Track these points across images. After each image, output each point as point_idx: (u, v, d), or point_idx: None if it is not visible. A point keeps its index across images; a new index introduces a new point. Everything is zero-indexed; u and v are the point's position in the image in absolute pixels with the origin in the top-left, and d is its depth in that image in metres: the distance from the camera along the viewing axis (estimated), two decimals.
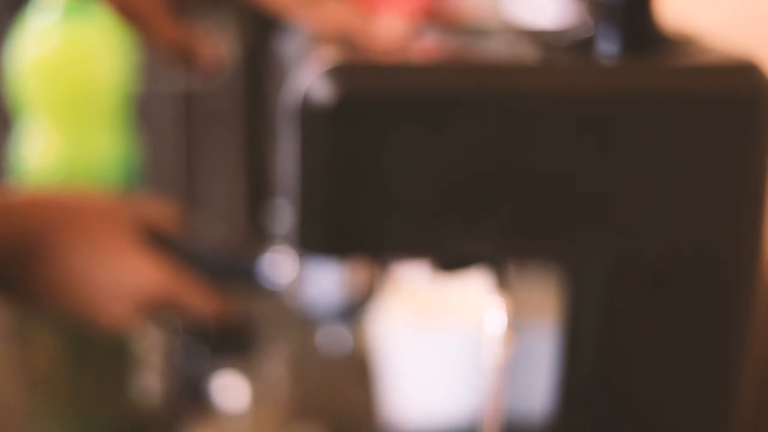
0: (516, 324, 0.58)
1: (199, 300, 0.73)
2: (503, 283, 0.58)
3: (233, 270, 0.76)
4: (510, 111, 0.53)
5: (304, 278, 0.67)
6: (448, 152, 0.53)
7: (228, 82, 1.34)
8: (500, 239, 0.54)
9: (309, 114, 0.52)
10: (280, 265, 0.71)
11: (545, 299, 0.77)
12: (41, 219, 0.72)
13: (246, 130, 1.39)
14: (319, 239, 0.54)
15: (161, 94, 1.35)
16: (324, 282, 0.66)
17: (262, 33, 1.23)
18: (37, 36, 0.91)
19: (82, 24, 0.95)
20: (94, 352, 0.87)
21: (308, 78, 0.52)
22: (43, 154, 0.90)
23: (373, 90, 0.52)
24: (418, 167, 0.53)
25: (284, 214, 0.69)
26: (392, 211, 0.53)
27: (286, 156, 0.55)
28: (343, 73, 0.52)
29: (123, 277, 0.71)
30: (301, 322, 1.00)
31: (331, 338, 0.72)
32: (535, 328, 0.75)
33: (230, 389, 0.80)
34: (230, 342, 0.80)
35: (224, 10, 1.30)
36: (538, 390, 0.68)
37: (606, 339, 0.59)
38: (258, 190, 1.36)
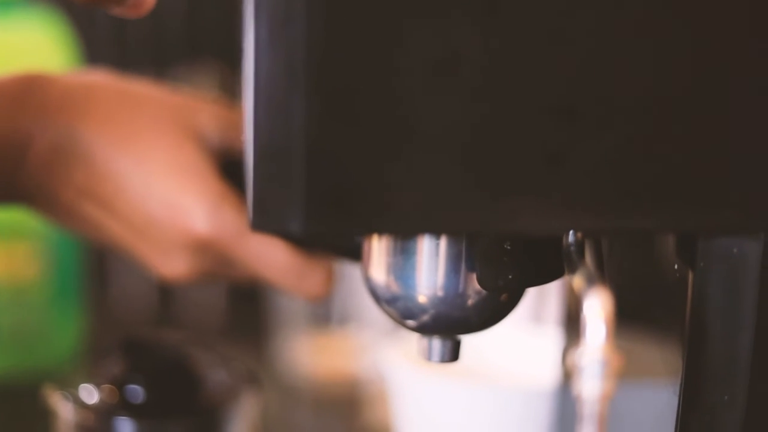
0: (620, 376, 0.35)
1: (284, 271, 0.50)
2: (597, 296, 0.35)
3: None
4: None
5: (391, 259, 0.40)
6: (499, 51, 0.32)
7: None
8: (592, 200, 0.32)
9: None
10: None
11: (657, 354, 0.54)
12: (71, 104, 0.50)
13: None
14: (286, 204, 0.32)
15: None
16: (425, 269, 0.39)
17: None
18: None
19: (15, 25, 0.81)
20: None
21: None
22: None
23: None
24: (451, 78, 0.31)
25: None
26: (411, 154, 0.32)
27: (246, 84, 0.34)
28: None
29: (170, 211, 0.49)
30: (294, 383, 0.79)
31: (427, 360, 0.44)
32: (646, 389, 0.51)
33: None
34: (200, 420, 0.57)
35: (205, 68, 1.20)
36: None
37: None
38: None
